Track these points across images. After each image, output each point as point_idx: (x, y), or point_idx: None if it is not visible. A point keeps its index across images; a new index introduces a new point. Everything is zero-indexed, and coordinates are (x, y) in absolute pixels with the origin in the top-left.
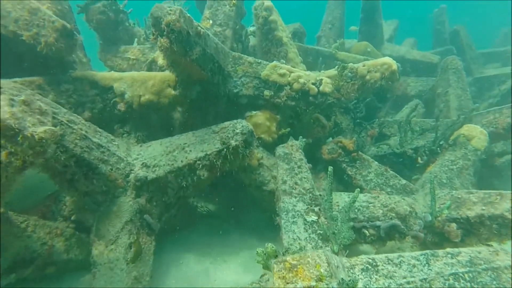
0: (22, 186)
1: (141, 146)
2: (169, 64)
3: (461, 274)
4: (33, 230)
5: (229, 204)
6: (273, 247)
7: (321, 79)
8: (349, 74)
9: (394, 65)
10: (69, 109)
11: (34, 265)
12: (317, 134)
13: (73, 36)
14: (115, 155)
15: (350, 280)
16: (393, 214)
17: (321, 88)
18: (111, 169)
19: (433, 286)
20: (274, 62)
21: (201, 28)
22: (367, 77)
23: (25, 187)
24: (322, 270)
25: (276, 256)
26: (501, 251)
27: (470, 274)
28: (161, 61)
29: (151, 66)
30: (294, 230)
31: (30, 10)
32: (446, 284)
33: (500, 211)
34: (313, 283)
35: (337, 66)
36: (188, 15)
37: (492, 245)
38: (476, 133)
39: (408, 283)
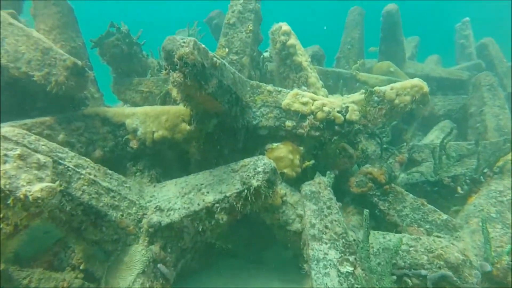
0: (30, 230)
1: (154, 186)
2: (183, 98)
3: None
4: (37, 286)
5: (249, 240)
6: None
7: (347, 107)
8: (376, 98)
9: (426, 87)
10: (79, 148)
11: None
12: (343, 166)
13: (84, 73)
14: (126, 199)
15: None
16: (442, 262)
17: (347, 116)
18: (122, 215)
19: None
20: (296, 90)
21: (217, 58)
22: (396, 101)
23: (33, 232)
24: None
25: None
26: None
27: None
28: (175, 93)
29: (165, 98)
30: (327, 284)
31: (43, 50)
32: None
33: None
34: None
35: (362, 90)
36: (203, 46)
37: None
38: None
39: None
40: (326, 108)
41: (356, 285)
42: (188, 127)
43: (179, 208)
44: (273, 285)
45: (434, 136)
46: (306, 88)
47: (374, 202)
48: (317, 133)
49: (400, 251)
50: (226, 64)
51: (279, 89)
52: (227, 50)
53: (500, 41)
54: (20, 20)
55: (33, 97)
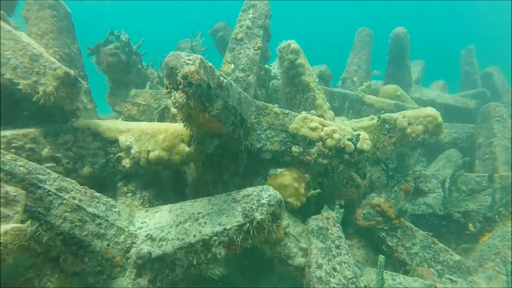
0: None
1: (146, 211)
2: (184, 119)
3: None
4: None
5: (245, 267)
6: None
7: (358, 134)
8: (386, 125)
9: (439, 118)
10: (66, 164)
11: None
12: (350, 196)
13: (76, 84)
14: (114, 225)
15: None
16: None
17: (358, 145)
18: (108, 245)
19: None
20: (304, 114)
21: (224, 77)
22: (408, 130)
23: None
24: None
25: None
26: None
27: None
28: (174, 110)
29: (164, 113)
30: None
31: (32, 56)
32: None
33: None
34: None
35: (372, 116)
36: (210, 64)
37: None
38: None
39: None
40: (336, 135)
41: None
42: (187, 149)
43: (173, 239)
44: None
45: (440, 165)
46: (315, 112)
47: (381, 237)
48: (325, 161)
49: None
50: (233, 83)
51: (287, 111)
52: (232, 66)
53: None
54: (9, 22)
55: (18, 105)
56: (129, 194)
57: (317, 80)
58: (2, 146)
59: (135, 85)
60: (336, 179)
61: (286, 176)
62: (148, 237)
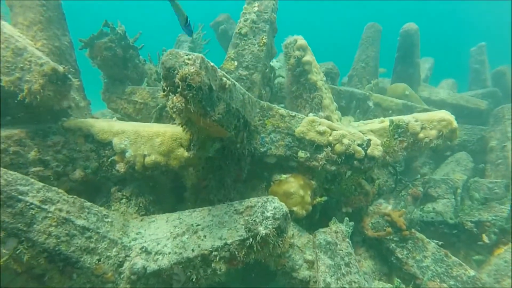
0: None
1: (142, 220)
2: (183, 123)
3: None
4: None
5: (245, 273)
6: None
7: (369, 140)
8: (399, 130)
9: (455, 123)
10: (56, 167)
11: None
12: (358, 204)
13: (66, 81)
14: (106, 238)
15: None
16: None
17: (369, 151)
18: (99, 260)
19: None
20: (312, 116)
21: (227, 79)
22: (421, 135)
23: None
24: None
25: None
26: None
27: None
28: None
29: (162, 112)
30: None
31: (15, 50)
32: None
33: None
34: None
35: (383, 119)
36: (212, 63)
37: None
38: None
39: None
40: (345, 141)
41: None
42: (185, 154)
43: (170, 253)
44: None
45: (449, 169)
46: (323, 114)
47: (390, 248)
48: (333, 168)
49: None
50: (236, 83)
51: (293, 113)
52: (236, 63)
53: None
54: None
55: (2, 103)
56: (124, 201)
57: (324, 78)
58: None
59: (131, 81)
60: (343, 185)
61: (292, 183)
62: (143, 250)
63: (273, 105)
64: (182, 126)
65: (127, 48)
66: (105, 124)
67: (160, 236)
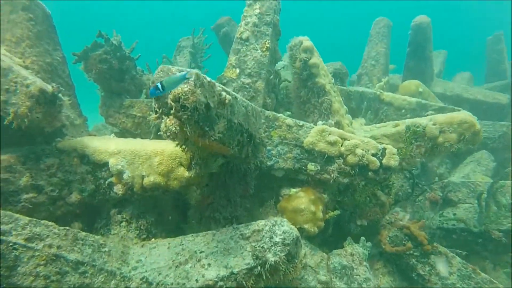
0: None
1: (142, 246)
2: (180, 144)
3: None
4: None
5: None
6: None
7: (384, 149)
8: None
9: (477, 125)
10: (50, 192)
11: None
12: (373, 216)
13: (55, 102)
14: (103, 270)
15: None
16: None
17: (384, 161)
18: None
19: None
20: (321, 125)
21: (226, 93)
22: (440, 139)
23: None
24: None
25: None
26: None
27: None
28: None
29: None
30: None
31: None
32: None
33: None
34: None
35: (397, 122)
36: (209, 79)
37: None
38: None
39: None
40: (359, 151)
41: None
42: (186, 173)
43: (172, 283)
44: None
45: (469, 170)
46: (332, 122)
47: (411, 264)
48: (346, 180)
49: None
50: (238, 96)
51: (301, 123)
52: (238, 71)
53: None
54: None
55: None
56: (124, 224)
57: (333, 80)
58: None
59: (129, 94)
60: (357, 197)
61: (302, 198)
62: (144, 280)
63: (279, 115)
64: (180, 147)
65: (123, 59)
66: (100, 144)
67: (162, 265)
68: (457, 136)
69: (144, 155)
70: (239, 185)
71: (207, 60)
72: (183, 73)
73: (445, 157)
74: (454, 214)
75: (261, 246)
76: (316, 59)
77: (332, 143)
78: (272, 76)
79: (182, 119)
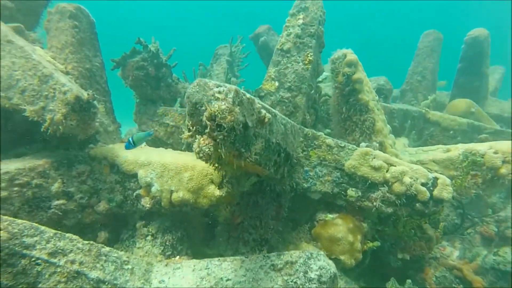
0: None
1: (166, 265)
2: (213, 163)
3: None
4: None
5: None
6: None
7: (436, 178)
8: (475, 167)
9: None
10: (80, 199)
11: None
12: (418, 251)
13: (89, 110)
14: None
15: None
16: None
17: (435, 192)
18: None
19: None
20: (365, 148)
21: (266, 111)
22: (502, 170)
23: None
24: None
25: None
26: None
27: None
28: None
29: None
30: None
31: (41, 77)
32: None
33: None
34: None
35: (449, 147)
36: (247, 95)
37: None
38: None
39: None
40: (406, 179)
41: None
42: (217, 192)
43: None
44: None
45: None
46: (377, 144)
47: None
48: (390, 210)
49: None
50: (277, 114)
51: (343, 144)
52: (277, 84)
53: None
54: (28, 35)
55: (28, 132)
56: (149, 238)
57: (377, 97)
58: (3, 184)
59: (164, 102)
60: (400, 228)
61: (339, 226)
62: None
63: (319, 133)
64: (212, 166)
65: (159, 66)
66: (130, 154)
67: None
68: None
69: (174, 168)
70: (271, 206)
71: (244, 70)
72: (149, 131)
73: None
74: None
75: (294, 281)
76: (360, 73)
77: (377, 168)
78: (313, 91)
79: (217, 140)
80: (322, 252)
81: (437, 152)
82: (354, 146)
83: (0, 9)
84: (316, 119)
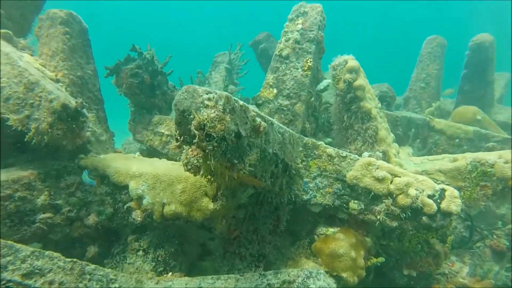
0: None
1: (157, 283)
2: (205, 174)
3: None
4: None
5: None
6: None
7: (443, 190)
8: (485, 178)
9: None
10: (68, 212)
11: None
12: (425, 267)
13: (77, 118)
14: None
15: None
16: None
17: (443, 205)
18: None
19: None
20: (368, 158)
21: (261, 119)
22: None
23: None
24: None
25: None
26: None
27: None
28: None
29: None
30: None
31: (27, 84)
32: None
33: None
34: None
35: (454, 156)
36: (241, 103)
37: None
38: None
39: None
40: (412, 191)
41: None
42: (211, 206)
43: None
44: None
45: None
46: (380, 154)
47: None
48: (395, 224)
49: None
50: (274, 122)
51: (344, 153)
52: (275, 91)
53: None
54: (17, 42)
55: (18, 142)
56: (140, 253)
57: (379, 105)
58: None
59: (159, 110)
60: (406, 243)
61: (341, 241)
62: None
63: (319, 143)
64: (204, 178)
65: (155, 74)
66: (122, 164)
67: None
68: None
69: (167, 180)
70: (269, 220)
71: (244, 78)
72: None
73: None
74: None
75: None
76: (362, 80)
77: (380, 179)
78: (313, 98)
79: (207, 150)
80: (322, 271)
81: (444, 161)
82: (356, 156)
83: None
84: (316, 127)
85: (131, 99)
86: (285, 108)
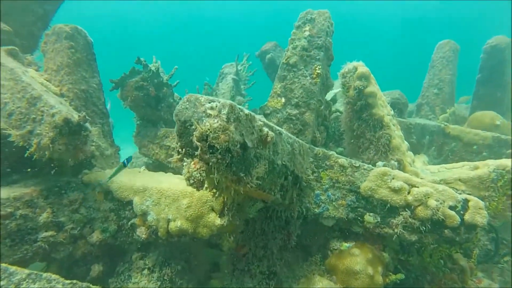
0: None
1: None
2: (210, 188)
3: None
4: None
5: None
6: None
7: (466, 200)
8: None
9: None
10: (71, 230)
11: None
12: (449, 284)
13: (79, 133)
14: None
15: None
16: None
17: (466, 216)
18: None
19: None
20: (383, 168)
21: (269, 128)
22: None
23: None
24: None
25: None
26: None
27: None
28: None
29: None
30: None
31: (30, 100)
32: None
33: None
34: None
35: (475, 164)
36: (246, 112)
37: None
38: None
39: None
40: (432, 202)
41: None
42: (217, 221)
43: None
44: None
45: None
46: (395, 163)
47: None
48: (414, 237)
49: None
50: (283, 132)
51: (357, 163)
52: (283, 100)
53: None
54: (23, 58)
55: (19, 158)
56: (146, 272)
57: (392, 112)
58: None
59: (165, 123)
60: (427, 258)
61: (357, 257)
62: None
63: (330, 153)
64: (209, 191)
65: (160, 86)
66: (126, 180)
67: None
68: None
69: (171, 195)
70: (279, 235)
71: (251, 88)
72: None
73: None
74: None
75: None
76: (373, 87)
77: (397, 190)
78: (323, 107)
79: (210, 163)
80: None
81: (463, 169)
82: (370, 166)
83: None
84: (327, 137)
85: (137, 112)
86: (294, 118)
